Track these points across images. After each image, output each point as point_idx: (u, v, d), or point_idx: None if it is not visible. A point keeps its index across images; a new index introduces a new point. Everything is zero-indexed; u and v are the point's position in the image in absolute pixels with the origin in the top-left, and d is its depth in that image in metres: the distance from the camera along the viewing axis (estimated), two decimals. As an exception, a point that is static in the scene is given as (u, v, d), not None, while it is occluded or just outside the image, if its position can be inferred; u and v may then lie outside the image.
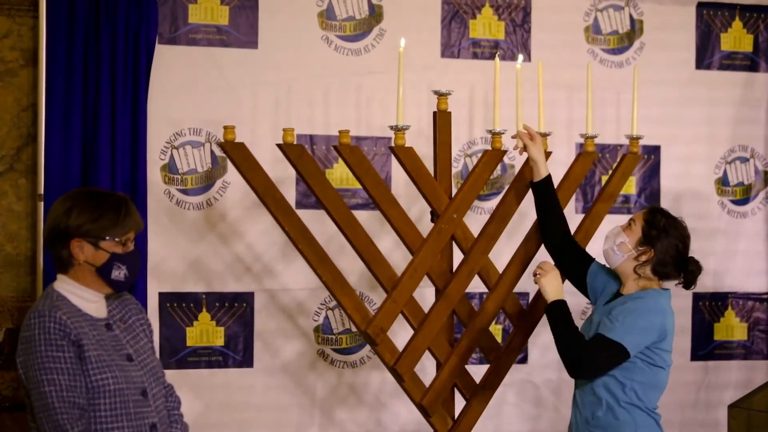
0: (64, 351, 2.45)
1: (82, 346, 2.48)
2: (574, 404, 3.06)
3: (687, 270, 3.00)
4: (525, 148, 3.34)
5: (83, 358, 2.48)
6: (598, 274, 3.17)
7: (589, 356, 2.85)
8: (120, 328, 2.63)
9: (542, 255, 3.66)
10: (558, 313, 2.96)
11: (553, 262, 3.19)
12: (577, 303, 4.26)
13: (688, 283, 3.02)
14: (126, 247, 2.59)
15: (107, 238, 2.55)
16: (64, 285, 2.57)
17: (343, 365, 4.08)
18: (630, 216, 3.15)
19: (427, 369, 3.74)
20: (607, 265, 3.12)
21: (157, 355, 3.01)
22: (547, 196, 3.34)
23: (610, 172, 3.89)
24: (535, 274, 3.06)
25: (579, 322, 4.29)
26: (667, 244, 2.96)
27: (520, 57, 3.58)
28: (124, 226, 2.57)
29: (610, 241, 3.05)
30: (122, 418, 2.52)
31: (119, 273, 2.57)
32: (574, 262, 3.27)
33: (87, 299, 2.58)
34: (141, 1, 3.70)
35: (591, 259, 3.24)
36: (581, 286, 3.25)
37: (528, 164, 3.47)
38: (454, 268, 3.45)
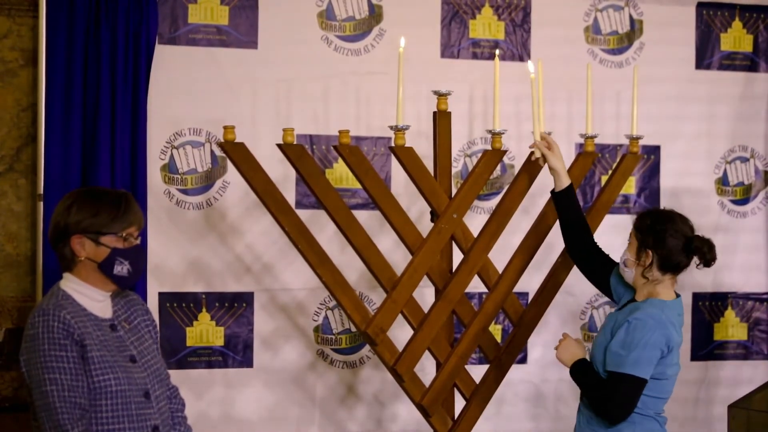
0: (67, 350, 2.45)
1: (85, 347, 2.48)
2: (580, 404, 3.06)
3: (694, 249, 2.93)
4: (544, 158, 3.32)
5: (86, 359, 2.48)
6: (619, 282, 3.13)
7: (613, 398, 2.84)
8: (125, 329, 2.62)
9: (542, 255, 3.67)
10: (578, 373, 2.97)
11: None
12: (577, 303, 4.28)
13: (706, 261, 2.94)
14: (128, 242, 2.58)
15: (107, 233, 2.55)
16: (69, 284, 2.57)
17: (343, 365, 4.08)
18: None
19: (427, 369, 3.74)
20: None
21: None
22: (570, 206, 3.29)
23: (610, 172, 3.89)
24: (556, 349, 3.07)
25: (579, 322, 4.34)
26: (660, 240, 2.92)
27: (530, 64, 3.50)
28: (123, 221, 2.57)
29: (621, 263, 3.05)
30: (124, 420, 2.52)
31: (122, 268, 2.57)
32: (597, 269, 3.24)
33: (93, 298, 2.58)
34: (141, 1, 3.70)
35: (614, 264, 3.19)
36: (606, 290, 3.23)
37: (527, 163, 3.48)
38: (454, 268, 3.45)
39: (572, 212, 3.30)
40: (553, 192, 3.35)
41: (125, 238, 2.57)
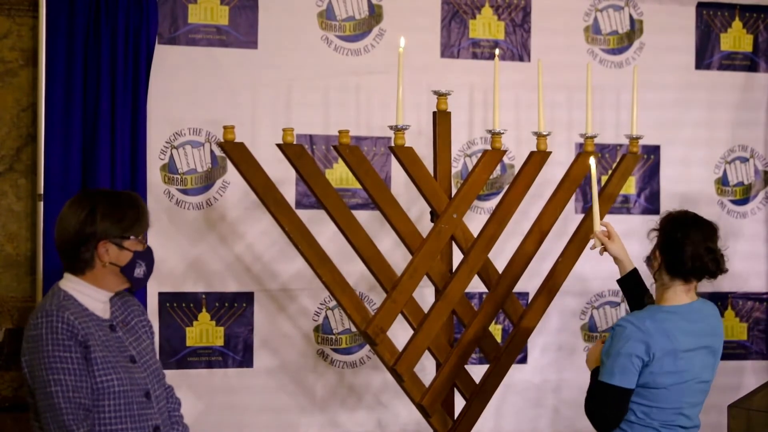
0: (71, 351, 2.45)
1: (89, 347, 2.48)
2: None
3: (699, 261, 2.83)
4: (605, 248, 3.18)
5: (89, 359, 2.48)
6: None
7: (596, 407, 2.81)
8: (122, 329, 2.63)
9: (541, 255, 3.67)
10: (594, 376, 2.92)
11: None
12: (577, 303, 4.28)
13: (710, 273, 2.84)
14: (144, 245, 2.64)
15: (130, 237, 2.58)
16: (71, 284, 2.57)
17: (343, 365, 4.08)
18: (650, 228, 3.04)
19: (427, 369, 3.75)
20: None
21: (157, 355, 3.02)
22: (637, 290, 3.17)
23: (610, 172, 3.89)
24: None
25: (579, 322, 4.33)
26: (669, 244, 2.85)
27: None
28: (143, 224, 2.62)
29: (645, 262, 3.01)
30: (126, 420, 2.52)
31: (140, 271, 2.62)
32: None
33: (96, 299, 2.58)
34: (141, 1, 3.70)
35: None
36: None
37: (528, 163, 3.48)
38: (454, 268, 3.45)
39: (641, 297, 3.16)
40: (619, 280, 3.21)
41: (142, 241, 2.63)
